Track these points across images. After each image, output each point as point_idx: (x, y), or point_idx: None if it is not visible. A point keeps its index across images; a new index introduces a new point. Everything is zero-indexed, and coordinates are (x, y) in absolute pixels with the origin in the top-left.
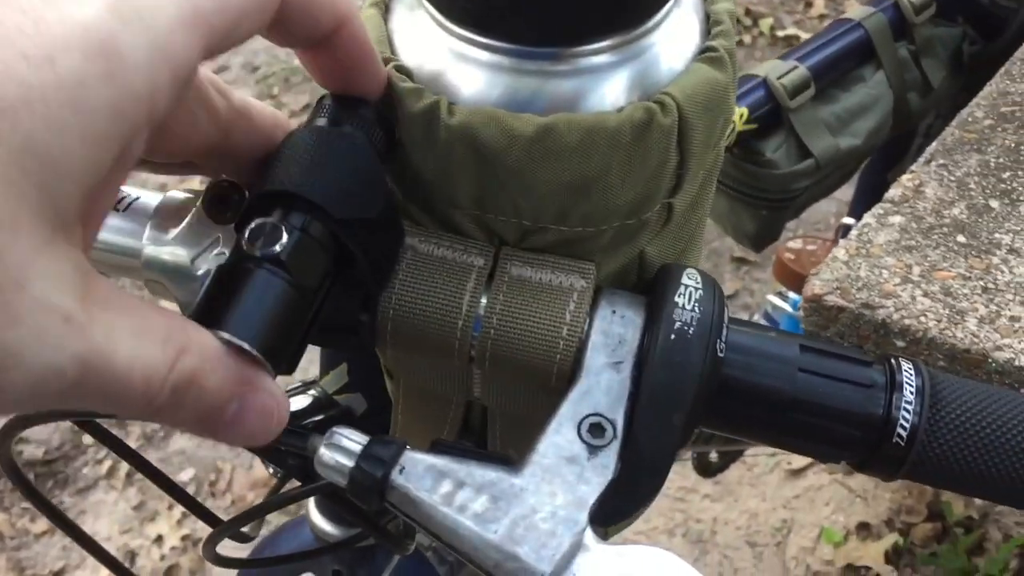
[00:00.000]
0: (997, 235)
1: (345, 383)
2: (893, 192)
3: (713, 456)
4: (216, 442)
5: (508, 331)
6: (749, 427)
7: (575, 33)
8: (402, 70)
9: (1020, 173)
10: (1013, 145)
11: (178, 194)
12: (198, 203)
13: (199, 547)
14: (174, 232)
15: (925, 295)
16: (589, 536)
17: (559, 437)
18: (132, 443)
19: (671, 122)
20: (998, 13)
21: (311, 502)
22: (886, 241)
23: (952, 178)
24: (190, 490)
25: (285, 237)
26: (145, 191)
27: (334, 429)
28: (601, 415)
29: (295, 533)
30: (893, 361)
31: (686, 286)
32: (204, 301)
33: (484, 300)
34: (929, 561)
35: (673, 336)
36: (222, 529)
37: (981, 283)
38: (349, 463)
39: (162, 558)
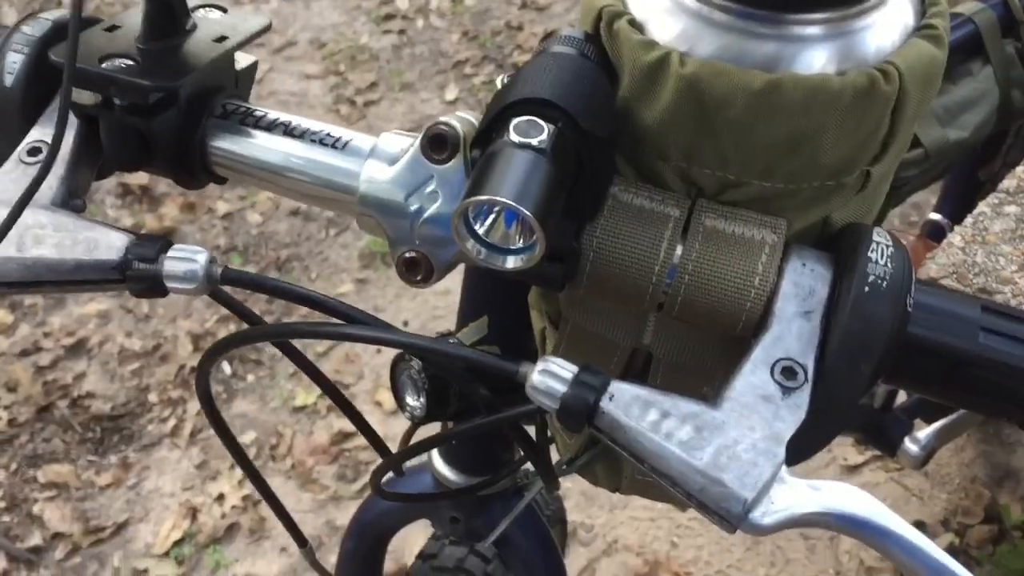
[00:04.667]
0: None
1: (483, 335)
2: (1008, 183)
3: None
4: (276, 407)
5: (701, 279)
6: (930, 383)
7: (804, 3)
8: (634, 24)
9: None
10: None
11: (395, 135)
12: (415, 143)
13: (259, 507)
14: (391, 171)
15: None
16: (784, 469)
17: (754, 377)
18: (195, 405)
19: (892, 91)
20: None
21: (435, 449)
22: (1002, 230)
23: None
24: (251, 452)
25: (545, 132)
26: (360, 133)
27: (547, 357)
28: (793, 359)
29: (416, 478)
30: None
31: (878, 243)
32: (477, 177)
33: (679, 250)
34: (986, 561)
35: (867, 289)
36: (392, 460)
37: None
38: (562, 388)
39: (223, 516)
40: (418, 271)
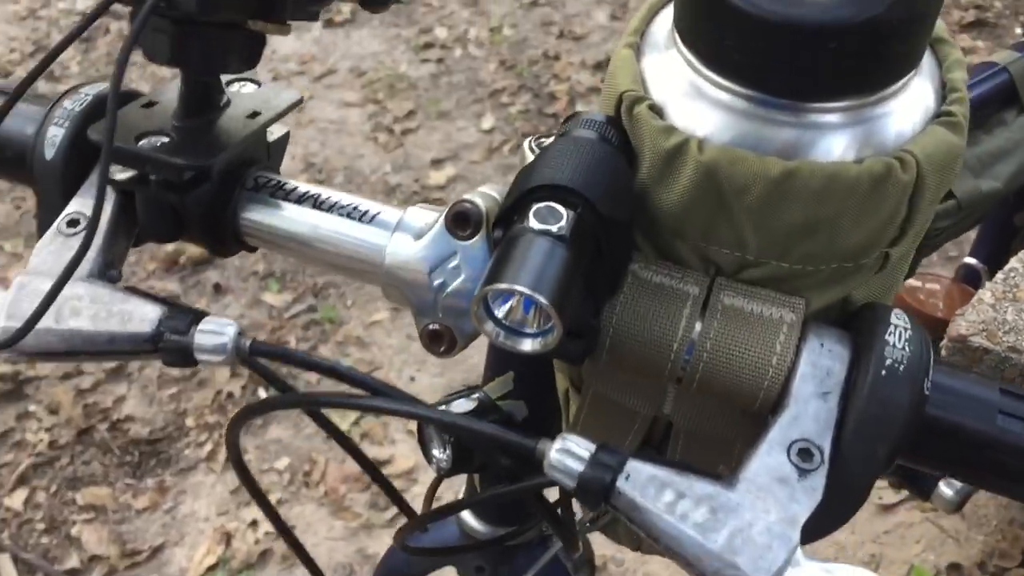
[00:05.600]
0: None
1: (509, 390)
2: None
3: None
4: (310, 433)
5: (720, 357)
6: (948, 464)
7: (824, 91)
8: (653, 108)
9: None
10: None
11: (421, 209)
12: (440, 219)
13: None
14: (416, 246)
15: None
16: (799, 551)
17: (770, 459)
18: None
19: (909, 179)
20: None
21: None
22: None
23: None
24: (285, 478)
25: (564, 218)
26: (387, 206)
27: (564, 435)
28: (810, 441)
29: (443, 528)
30: None
31: (896, 326)
32: (497, 263)
33: (698, 326)
34: None
35: (884, 372)
36: (419, 521)
37: None
38: (579, 467)
39: (256, 542)
40: (441, 343)
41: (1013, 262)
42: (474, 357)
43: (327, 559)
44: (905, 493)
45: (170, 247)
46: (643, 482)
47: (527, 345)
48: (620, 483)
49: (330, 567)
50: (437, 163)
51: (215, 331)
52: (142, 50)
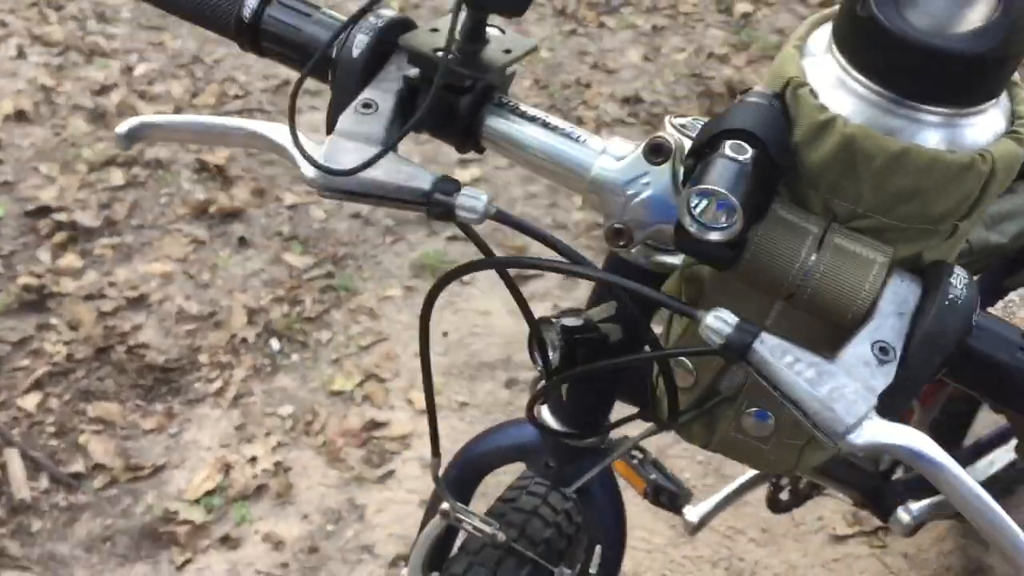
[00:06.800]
0: None
1: (610, 316)
2: None
3: (784, 495)
4: (315, 387)
5: (828, 281)
6: (978, 384)
7: (938, 98)
8: (812, 92)
9: None
10: None
11: (622, 141)
12: (639, 148)
13: (288, 473)
14: (618, 165)
15: None
16: (874, 412)
17: (860, 348)
18: (241, 372)
19: (986, 170)
20: None
21: (545, 406)
22: None
23: None
24: (287, 424)
25: (750, 153)
26: (594, 135)
27: (717, 308)
28: (887, 342)
29: (517, 427)
30: None
31: (958, 275)
32: (702, 173)
33: (814, 257)
34: None
35: (947, 302)
36: (547, 387)
37: None
38: (728, 329)
39: (254, 476)
40: (622, 238)
41: (1012, 295)
42: (476, 344)
43: (319, 503)
44: (857, 528)
45: (203, 195)
46: (772, 346)
47: (714, 235)
48: (756, 344)
49: (320, 510)
50: (464, 163)
51: (472, 196)
52: None
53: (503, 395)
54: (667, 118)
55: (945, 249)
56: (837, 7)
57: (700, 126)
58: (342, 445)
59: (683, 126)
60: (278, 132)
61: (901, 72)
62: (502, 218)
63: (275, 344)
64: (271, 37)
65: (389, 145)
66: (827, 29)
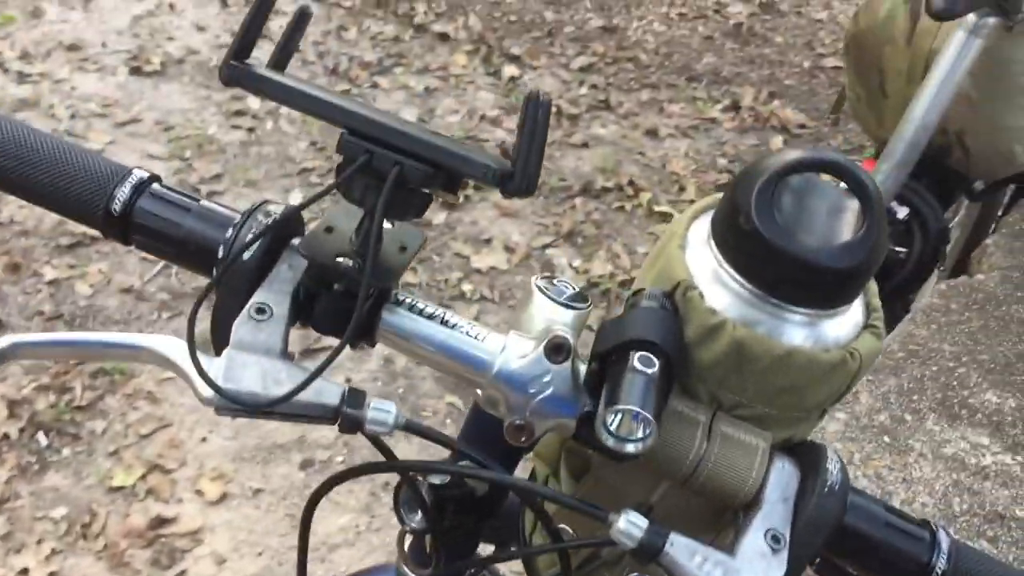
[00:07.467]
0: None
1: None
2: None
3: None
4: (91, 484)
5: (718, 468)
6: (852, 559)
7: (809, 302)
8: (700, 295)
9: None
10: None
11: (520, 337)
12: (539, 347)
13: None
14: (519, 363)
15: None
16: None
17: (755, 539)
18: (3, 473)
19: (855, 366)
20: None
21: (405, 546)
22: (834, 431)
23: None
24: (61, 528)
25: (656, 366)
26: (493, 331)
27: (626, 511)
28: (777, 530)
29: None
30: (932, 524)
31: (831, 459)
32: (613, 391)
33: (705, 445)
34: None
35: (826, 489)
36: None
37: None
38: (639, 533)
39: None
40: (522, 434)
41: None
42: (266, 426)
43: None
44: None
45: None
46: (680, 547)
47: (630, 448)
48: (667, 547)
49: None
50: None
51: (382, 410)
52: (344, 193)
53: (299, 477)
54: (533, 279)
55: (811, 429)
56: (713, 199)
57: (565, 289)
58: (126, 547)
59: (546, 288)
60: (171, 347)
61: (778, 279)
62: (411, 428)
63: (42, 439)
64: (145, 232)
65: (312, 376)
66: (703, 222)
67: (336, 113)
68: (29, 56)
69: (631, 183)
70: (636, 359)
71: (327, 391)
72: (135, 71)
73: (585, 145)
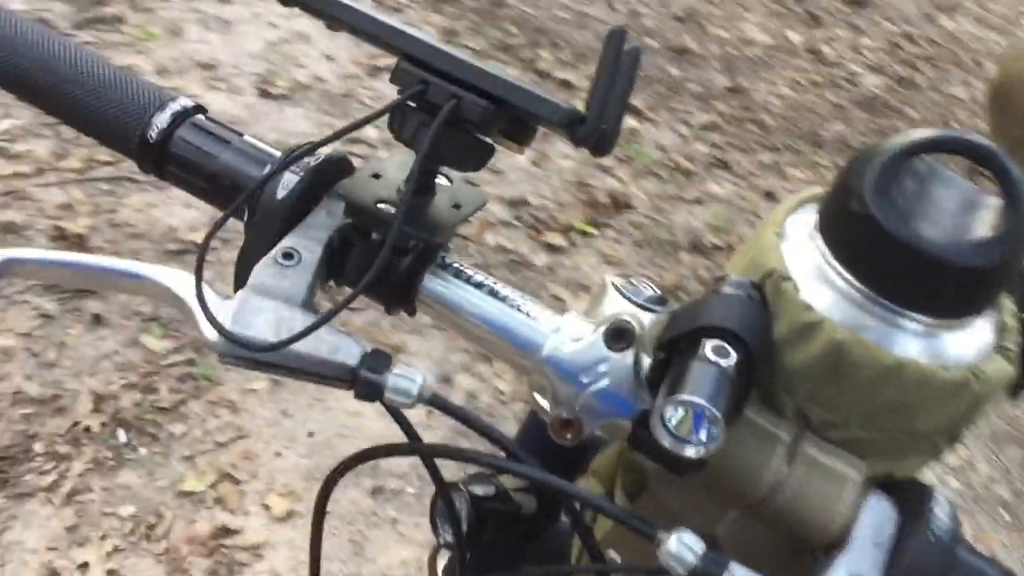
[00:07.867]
0: None
1: (525, 485)
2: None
3: None
4: (163, 486)
5: (800, 497)
6: None
7: (929, 308)
8: (795, 287)
9: None
10: None
11: (579, 319)
12: (598, 330)
13: None
14: (573, 347)
15: None
16: None
17: None
18: (80, 465)
19: (979, 390)
20: None
21: (439, 568)
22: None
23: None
24: (127, 527)
25: (733, 358)
26: (548, 308)
27: (680, 530)
28: None
29: None
30: None
31: (938, 501)
32: (677, 380)
33: (786, 468)
34: None
35: (932, 538)
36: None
37: None
38: (693, 559)
39: None
40: (569, 430)
41: None
42: (343, 446)
43: None
44: None
45: None
46: None
47: (690, 451)
48: None
49: None
50: None
51: (406, 377)
52: (394, 130)
53: (367, 504)
54: (607, 278)
55: (919, 467)
56: (818, 190)
57: (644, 289)
58: (187, 553)
59: (623, 286)
60: (179, 282)
61: (893, 276)
62: (438, 404)
63: (122, 435)
64: (179, 162)
65: (322, 319)
66: (806, 213)
67: (394, 37)
68: (165, 71)
69: (741, 242)
70: (709, 348)
71: (345, 348)
72: (263, 93)
73: (698, 201)
